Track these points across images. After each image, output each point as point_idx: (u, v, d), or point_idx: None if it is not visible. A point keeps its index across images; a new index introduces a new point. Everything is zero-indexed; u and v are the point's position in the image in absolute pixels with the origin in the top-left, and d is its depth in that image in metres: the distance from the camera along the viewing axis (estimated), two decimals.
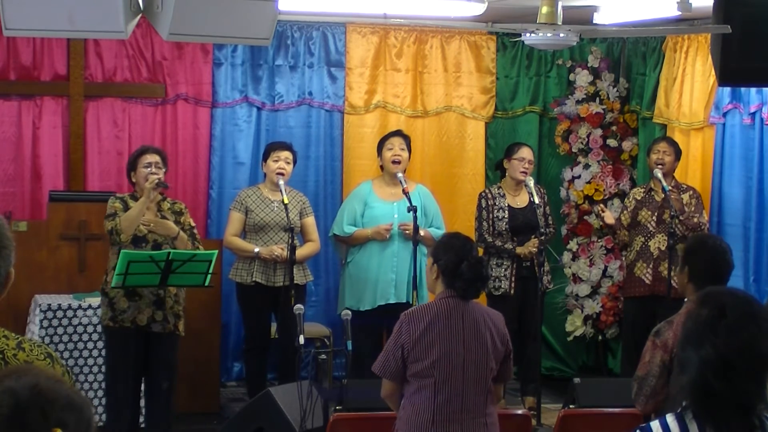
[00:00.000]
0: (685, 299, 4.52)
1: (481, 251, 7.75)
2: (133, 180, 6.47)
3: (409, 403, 4.45)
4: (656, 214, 7.57)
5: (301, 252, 7.25)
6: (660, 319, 7.43)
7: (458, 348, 4.40)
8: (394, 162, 7.42)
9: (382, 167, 7.58)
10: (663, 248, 7.46)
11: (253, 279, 7.18)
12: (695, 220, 7.47)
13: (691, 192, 7.64)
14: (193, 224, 6.58)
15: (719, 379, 2.41)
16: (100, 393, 6.90)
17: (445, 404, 4.39)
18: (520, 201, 7.66)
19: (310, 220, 7.42)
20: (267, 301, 7.20)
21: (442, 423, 4.39)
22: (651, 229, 7.57)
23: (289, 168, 7.27)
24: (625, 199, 7.90)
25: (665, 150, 7.61)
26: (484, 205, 7.68)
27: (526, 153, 7.70)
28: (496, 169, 7.93)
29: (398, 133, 7.68)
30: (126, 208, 6.40)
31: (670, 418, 2.53)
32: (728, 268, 4.45)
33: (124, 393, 6.41)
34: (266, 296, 7.18)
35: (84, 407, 1.76)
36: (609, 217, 7.74)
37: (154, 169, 6.37)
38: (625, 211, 7.73)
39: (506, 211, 7.62)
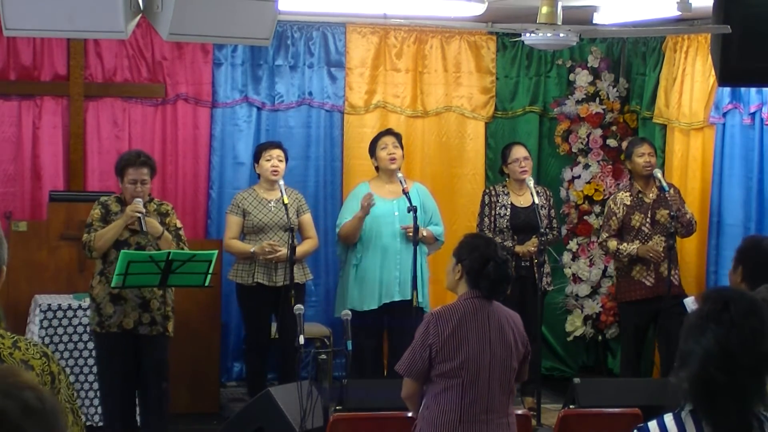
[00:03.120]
0: None
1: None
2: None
3: (434, 402, 4.44)
4: (649, 215, 7.54)
5: (300, 249, 7.27)
6: (664, 319, 7.46)
7: (486, 348, 4.41)
8: (390, 160, 7.44)
9: (377, 168, 7.60)
10: (661, 249, 7.44)
11: (255, 280, 7.19)
12: (687, 217, 7.47)
13: (672, 188, 7.63)
14: (179, 225, 6.55)
15: (721, 371, 2.41)
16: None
17: (472, 404, 4.40)
18: (524, 200, 7.67)
19: (307, 218, 7.43)
20: (268, 301, 7.21)
21: (469, 423, 4.39)
22: (647, 231, 7.53)
23: (282, 166, 7.30)
24: (612, 205, 7.68)
25: (650, 152, 7.60)
26: (486, 202, 7.70)
27: (519, 153, 7.71)
28: (500, 175, 7.93)
29: (389, 132, 7.69)
30: (107, 214, 6.38)
31: (667, 418, 2.53)
32: None
33: (118, 397, 6.40)
34: (267, 296, 7.19)
35: (54, 417, 1.74)
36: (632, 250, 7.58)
37: (139, 187, 6.32)
38: (614, 217, 7.63)
39: (508, 209, 7.64)
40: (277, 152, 7.29)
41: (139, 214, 6.22)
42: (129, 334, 6.34)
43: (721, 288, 2.66)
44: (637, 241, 7.51)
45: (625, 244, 7.52)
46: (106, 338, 6.36)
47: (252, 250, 7.16)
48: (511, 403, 4.53)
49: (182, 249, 6.40)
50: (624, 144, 8.74)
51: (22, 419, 1.69)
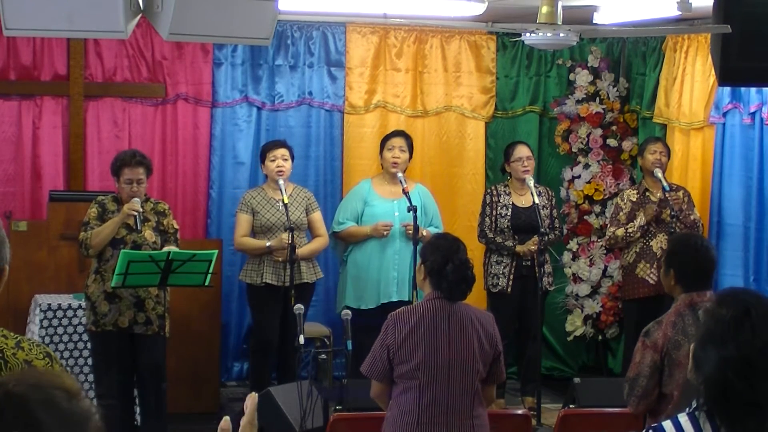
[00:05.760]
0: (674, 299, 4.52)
1: (482, 247, 7.77)
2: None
3: (395, 404, 4.45)
4: (654, 214, 7.55)
5: (310, 247, 7.28)
6: None
7: (443, 350, 4.39)
8: (393, 164, 7.45)
9: (382, 165, 7.61)
10: (665, 247, 7.44)
11: (263, 280, 7.17)
12: (691, 217, 7.48)
13: (683, 191, 7.65)
14: (176, 227, 6.55)
15: (739, 378, 2.40)
16: None
17: (431, 406, 4.39)
18: (525, 201, 7.67)
19: (317, 215, 7.42)
20: (277, 301, 7.19)
21: (427, 424, 4.38)
22: (651, 229, 7.55)
23: (288, 165, 7.28)
24: (619, 201, 7.78)
25: (662, 151, 7.62)
26: (488, 201, 7.71)
27: (522, 152, 7.71)
28: (502, 173, 7.93)
29: (401, 133, 7.69)
30: (104, 213, 6.38)
31: (683, 418, 2.50)
32: (713, 266, 4.48)
33: (115, 396, 6.40)
34: (276, 296, 7.17)
35: (81, 421, 1.74)
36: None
37: (135, 187, 6.32)
38: (621, 213, 7.67)
39: (509, 209, 7.64)
40: (281, 151, 7.28)
41: (135, 213, 6.23)
42: (124, 333, 6.34)
43: (737, 291, 2.60)
44: (641, 239, 7.53)
45: (631, 223, 7.53)
46: (101, 337, 6.36)
47: (268, 244, 7.14)
48: (478, 404, 4.47)
49: None
50: (624, 144, 8.76)
51: (40, 411, 1.69)
